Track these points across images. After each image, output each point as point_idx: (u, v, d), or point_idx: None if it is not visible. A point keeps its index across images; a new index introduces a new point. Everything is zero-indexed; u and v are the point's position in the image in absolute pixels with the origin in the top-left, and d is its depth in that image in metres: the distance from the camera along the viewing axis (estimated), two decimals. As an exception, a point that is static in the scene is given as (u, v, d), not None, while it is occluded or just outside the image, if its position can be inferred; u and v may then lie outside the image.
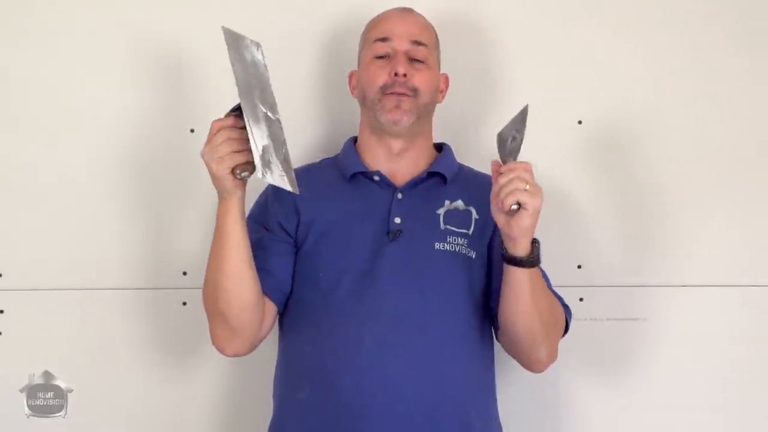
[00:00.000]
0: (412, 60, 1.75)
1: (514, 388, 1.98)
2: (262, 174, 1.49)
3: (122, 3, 2.00)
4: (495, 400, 1.78)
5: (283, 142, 1.54)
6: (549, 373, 1.90)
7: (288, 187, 1.52)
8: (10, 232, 1.99)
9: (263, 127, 1.51)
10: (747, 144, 2.06)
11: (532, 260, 1.62)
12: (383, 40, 1.76)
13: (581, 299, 2.01)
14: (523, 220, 1.56)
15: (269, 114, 1.53)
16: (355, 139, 1.85)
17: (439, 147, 1.87)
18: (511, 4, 2.05)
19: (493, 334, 1.78)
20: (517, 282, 1.63)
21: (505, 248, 1.62)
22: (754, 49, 2.07)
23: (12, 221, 1.99)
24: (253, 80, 1.53)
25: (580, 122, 2.04)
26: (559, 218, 2.01)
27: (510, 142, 1.59)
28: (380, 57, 1.76)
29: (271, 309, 1.71)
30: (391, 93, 1.73)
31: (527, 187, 1.54)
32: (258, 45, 1.56)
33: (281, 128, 1.54)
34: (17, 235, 1.99)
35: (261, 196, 1.82)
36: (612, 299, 2.03)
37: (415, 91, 1.74)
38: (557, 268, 1.98)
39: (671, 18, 2.06)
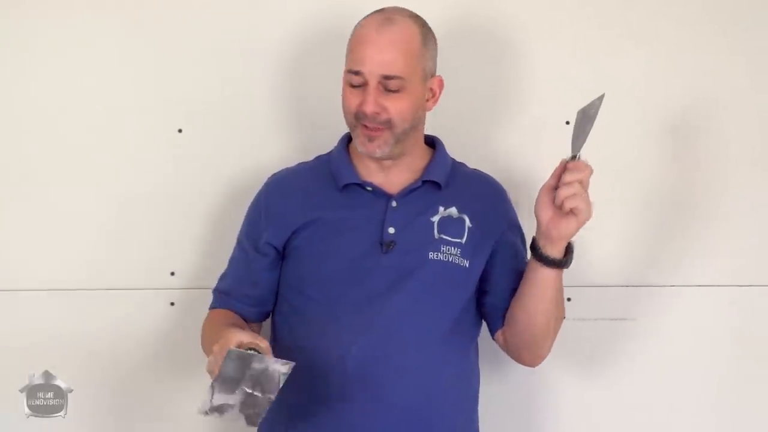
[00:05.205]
0: (387, 89, 1.65)
1: (501, 389, 1.99)
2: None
3: (111, 2, 2.00)
4: (477, 404, 1.79)
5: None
6: (537, 373, 1.90)
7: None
8: (1, 232, 2.00)
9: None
10: (741, 145, 2.05)
11: (563, 263, 1.63)
12: (356, 72, 1.65)
13: (569, 299, 1.99)
14: (570, 225, 1.58)
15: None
16: (350, 137, 1.79)
17: (432, 141, 1.82)
18: (514, 6, 2.04)
19: (495, 334, 1.78)
20: (544, 281, 1.64)
21: (539, 247, 1.62)
22: (756, 51, 2.06)
23: (2, 222, 2.00)
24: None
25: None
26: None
27: (585, 126, 1.52)
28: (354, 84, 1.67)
29: (257, 327, 1.82)
30: (364, 125, 1.67)
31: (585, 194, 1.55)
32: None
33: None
34: (9, 235, 2.00)
35: (252, 209, 1.81)
36: (600, 299, 2.03)
37: (388, 123, 1.66)
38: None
39: (672, 18, 2.05)
